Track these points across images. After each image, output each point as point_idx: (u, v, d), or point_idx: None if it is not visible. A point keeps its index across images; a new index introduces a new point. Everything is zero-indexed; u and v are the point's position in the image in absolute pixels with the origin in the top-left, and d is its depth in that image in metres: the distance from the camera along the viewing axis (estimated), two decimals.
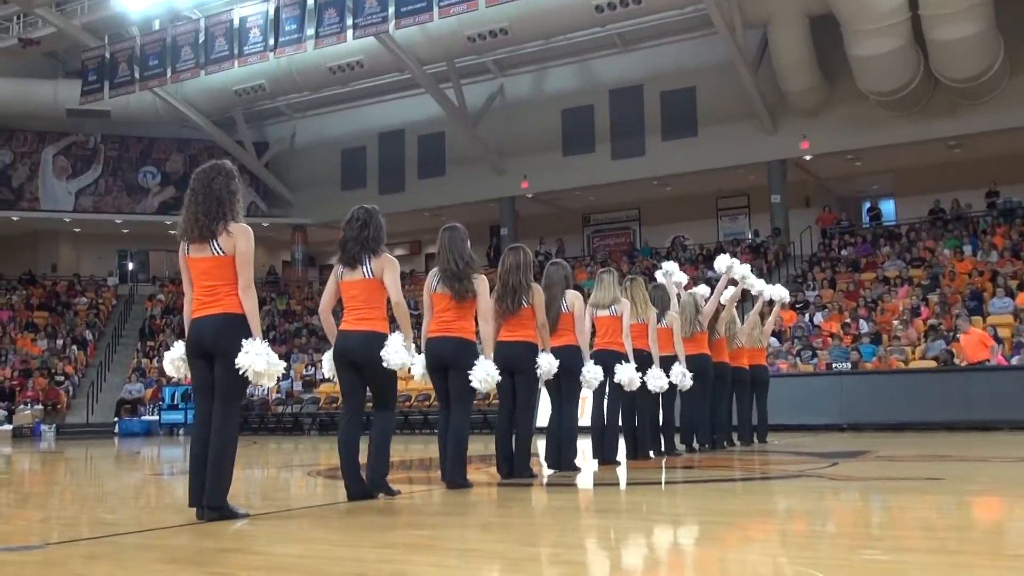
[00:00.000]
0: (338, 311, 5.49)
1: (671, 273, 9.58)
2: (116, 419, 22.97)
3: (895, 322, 17.28)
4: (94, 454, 13.63)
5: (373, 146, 27.72)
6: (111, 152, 28.34)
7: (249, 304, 4.59)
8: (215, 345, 4.56)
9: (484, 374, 5.81)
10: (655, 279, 9.58)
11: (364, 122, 27.54)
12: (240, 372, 4.51)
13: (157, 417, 22.66)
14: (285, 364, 4.78)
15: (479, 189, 25.56)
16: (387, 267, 5.33)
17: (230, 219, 4.62)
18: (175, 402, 22.63)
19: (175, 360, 4.83)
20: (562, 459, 7.06)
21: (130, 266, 31.21)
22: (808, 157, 22.30)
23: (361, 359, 5.27)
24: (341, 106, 27.80)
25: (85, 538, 4.23)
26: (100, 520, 5.07)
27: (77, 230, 29.49)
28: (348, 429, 5.41)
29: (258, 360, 4.50)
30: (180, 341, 4.84)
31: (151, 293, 29.02)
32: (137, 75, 24.15)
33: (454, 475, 5.89)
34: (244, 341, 4.53)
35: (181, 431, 21.99)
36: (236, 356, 4.50)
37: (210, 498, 4.49)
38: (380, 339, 5.27)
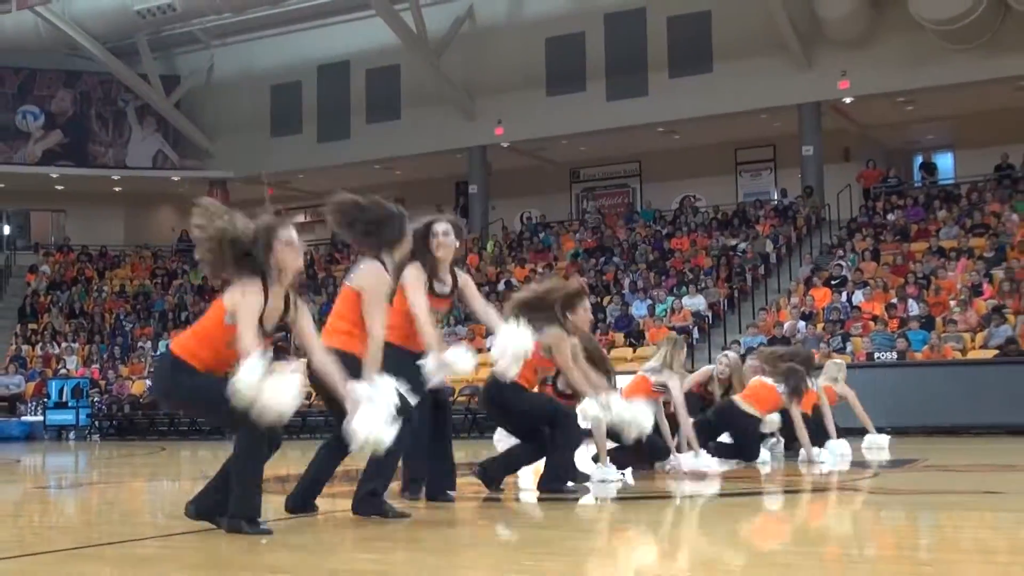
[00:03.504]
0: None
1: None
2: None
3: (951, 303, 17.44)
4: None
5: (310, 82, 27.52)
6: None
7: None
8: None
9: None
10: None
11: (300, 52, 27.33)
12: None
13: (41, 417, 22.52)
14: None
15: (443, 136, 25.47)
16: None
17: None
18: (63, 399, 22.48)
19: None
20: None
21: (6, 230, 30.91)
22: (848, 99, 22.36)
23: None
24: (271, 31, 27.55)
25: None
26: None
27: None
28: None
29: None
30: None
31: (33, 264, 28.73)
32: None
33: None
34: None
35: (71, 435, 21.87)
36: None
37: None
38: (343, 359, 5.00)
